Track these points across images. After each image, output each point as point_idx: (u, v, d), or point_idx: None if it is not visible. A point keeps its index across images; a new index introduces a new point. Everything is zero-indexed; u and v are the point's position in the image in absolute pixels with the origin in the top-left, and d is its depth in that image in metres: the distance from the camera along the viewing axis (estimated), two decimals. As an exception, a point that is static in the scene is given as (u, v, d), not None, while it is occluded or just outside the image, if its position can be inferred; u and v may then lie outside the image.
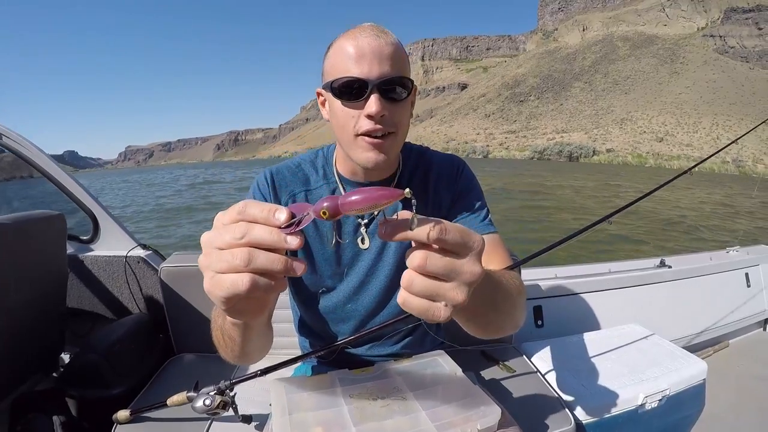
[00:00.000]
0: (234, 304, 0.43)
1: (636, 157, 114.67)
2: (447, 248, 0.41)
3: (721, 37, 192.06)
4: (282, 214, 0.40)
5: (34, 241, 1.39)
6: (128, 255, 1.83)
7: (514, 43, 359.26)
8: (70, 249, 1.81)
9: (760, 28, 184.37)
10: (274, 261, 0.39)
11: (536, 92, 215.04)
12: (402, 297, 0.42)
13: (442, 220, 0.41)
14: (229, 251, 0.40)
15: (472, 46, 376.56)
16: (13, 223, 1.29)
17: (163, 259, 1.84)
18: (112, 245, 1.88)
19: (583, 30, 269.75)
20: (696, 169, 1.53)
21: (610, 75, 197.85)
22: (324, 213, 0.41)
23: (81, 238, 1.90)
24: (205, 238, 0.43)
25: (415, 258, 0.41)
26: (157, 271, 1.63)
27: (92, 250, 1.90)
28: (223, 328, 0.65)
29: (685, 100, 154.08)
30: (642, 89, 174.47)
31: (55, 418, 1.37)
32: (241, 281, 0.39)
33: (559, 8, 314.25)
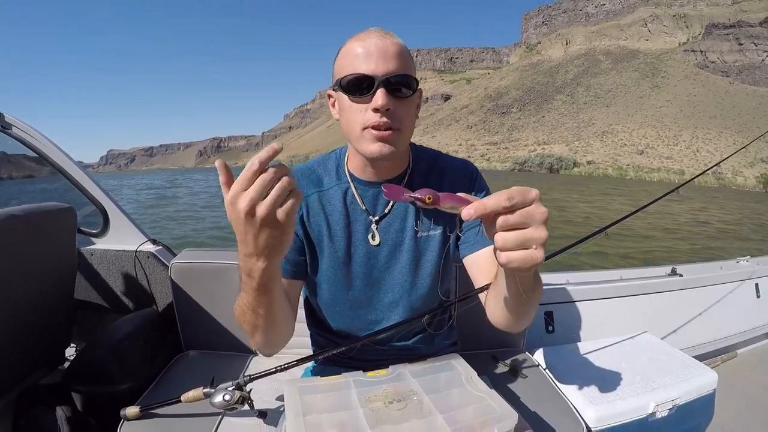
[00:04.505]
0: (261, 224, 0.57)
1: (616, 169, 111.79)
2: (516, 207, 0.51)
3: (702, 52, 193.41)
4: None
5: (45, 234, 1.37)
6: (138, 250, 1.80)
7: (497, 55, 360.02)
8: (78, 242, 1.75)
9: (740, 44, 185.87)
10: (253, 162, 0.56)
11: (518, 104, 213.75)
12: (505, 258, 0.51)
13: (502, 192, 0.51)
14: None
15: (456, 58, 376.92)
16: (25, 215, 1.28)
17: (174, 254, 1.82)
18: (122, 240, 1.84)
19: (566, 44, 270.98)
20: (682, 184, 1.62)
21: (591, 88, 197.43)
22: (428, 198, 0.51)
23: (90, 231, 1.86)
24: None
25: (499, 220, 0.50)
26: (167, 267, 1.62)
27: (101, 244, 1.86)
28: (242, 305, 0.75)
29: (665, 113, 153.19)
30: (623, 102, 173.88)
31: (60, 413, 1.36)
32: (252, 188, 0.56)
33: (543, 22, 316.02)
